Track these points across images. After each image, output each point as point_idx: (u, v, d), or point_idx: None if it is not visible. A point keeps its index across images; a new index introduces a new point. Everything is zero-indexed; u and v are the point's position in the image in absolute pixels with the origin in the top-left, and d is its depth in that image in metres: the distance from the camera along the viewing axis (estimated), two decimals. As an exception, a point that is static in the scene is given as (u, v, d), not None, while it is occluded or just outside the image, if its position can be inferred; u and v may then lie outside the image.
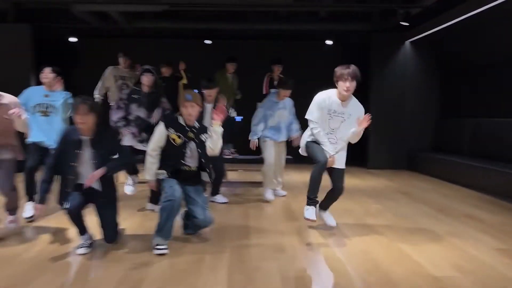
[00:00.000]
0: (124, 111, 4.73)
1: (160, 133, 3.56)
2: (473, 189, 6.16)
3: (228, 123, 4.59)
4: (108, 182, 3.49)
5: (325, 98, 3.69)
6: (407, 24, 7.15)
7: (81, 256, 3.33)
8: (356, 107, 3.73)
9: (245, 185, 6.55)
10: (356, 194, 5.89)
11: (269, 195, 5.32)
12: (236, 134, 6.59)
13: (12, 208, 4.05)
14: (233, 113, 5.38)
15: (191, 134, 3.57)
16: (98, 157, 3.38)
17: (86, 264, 3.21)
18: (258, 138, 5.28)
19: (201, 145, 3.62)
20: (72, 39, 9.06)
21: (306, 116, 3.81)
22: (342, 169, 3.78)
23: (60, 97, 4.50)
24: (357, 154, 8.45)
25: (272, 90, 5.72)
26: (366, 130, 8.41)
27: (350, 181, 6.92)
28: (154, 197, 4.75)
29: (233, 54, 8.28)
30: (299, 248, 3.56)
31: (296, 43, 9.58)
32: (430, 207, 5.12)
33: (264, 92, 7.03)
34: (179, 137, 3.54)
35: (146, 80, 4.70)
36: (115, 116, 4.75)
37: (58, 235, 3.89)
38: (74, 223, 3.40)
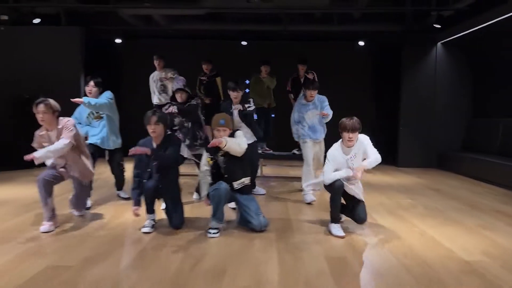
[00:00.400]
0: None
1: (204, 155, 4.14)
2: (502, 187, 6.35)
3: (247, 117, 5.05)
4: (169, 181, 4.04)
5: (334, 152, 4.03)
6: (439, 26, 7.34)
7: (147, 235, 3.81)
8: (358, 144, 4.00)
9: (280, 180, 6.94)
10: (387, 190, 6.18)
11: (309, 196, 5.29)
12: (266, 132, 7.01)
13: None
14: (251, 107, 5.24)
15: (220, 154, 4.00)
16: (158, 156, 3.98)
17: (153, 240, 3.67)
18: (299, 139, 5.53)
19: (227, 154, 3.97)
20: (118, 41, 9.62)
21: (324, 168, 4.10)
22: (363, 201, 4.04)
23: (104, 97, 4.96)
24: (388, 153, 8.72)
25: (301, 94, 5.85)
26: (397, 129, 8.56)
27: (381, 178, 7.25)
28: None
29: (268, 54, 8.68)
30: (335, 237, 3.90)
31: (329, 43, 9.86)
32: (460, 203, 5.37)
33: (288, 88, 7.42)
34: (211, 159, 4.03)
35: (179, 96, 5.02)
36: None
37: (119, 219, 4.39)
38: (147, 201, 3.95)
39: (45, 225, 3.87)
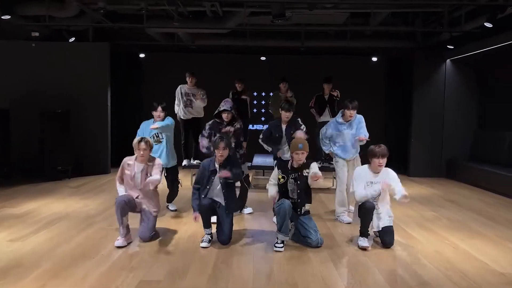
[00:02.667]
0: (208, 139, 5.45)
1: (274, 171, 4.58)
2: (509, 197, 6.89)
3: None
4: (231, 196, 4.52)
5: (361, 172, 4.52)
6: (452, 47, 7.86)
7: (210, 249, 4.23)
8: (385, 174, 4.47)
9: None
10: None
11: (345, 218, 5.37)
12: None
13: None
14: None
15: (293, 175, 4.41)
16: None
17: (219, 254, 4.09)
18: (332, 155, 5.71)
19: (302, 179, 4.39)
20: (142, 55, 10.00)
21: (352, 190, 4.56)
22: (391, 226, 4.45)
23: (170, 121, 5.60)
24: (400, 163, 9.24)
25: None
26: (408, 140, 8.93)
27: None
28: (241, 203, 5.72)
29: (286, 69, 9.13)
30: (383, 249, 4.37)
31: (344, 58, 10.34)
32: (478, 215, 5.88)
33: (311, 104, 7.84)
34: (283, 177, 4.45)
35: (225, 116, 5.43)
36: (202, 143, 5.49)
37: (178, 233, 4.82)
38: (203, 217, 4.39)
39: (120, 240, 4.26)
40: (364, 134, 5.38)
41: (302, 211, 4.46)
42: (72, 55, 8.74)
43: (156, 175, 4.46)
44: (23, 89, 8.56)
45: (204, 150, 5.47)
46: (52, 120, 8.11)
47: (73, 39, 8.60)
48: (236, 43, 9.39)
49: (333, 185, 7.84)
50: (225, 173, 4.40)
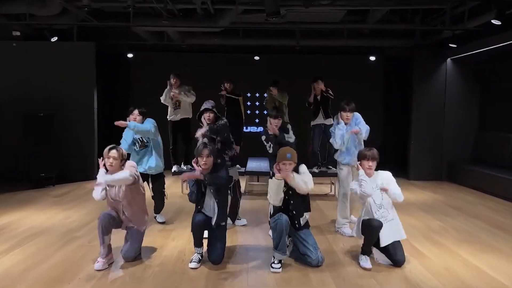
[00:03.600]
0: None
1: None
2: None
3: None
4: (222, 212, 4.12)
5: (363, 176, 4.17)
6: (455, 46, 7.52)
7: (201, 270, 3.84)
8: (381, 175, 4.19)
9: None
10: (411, 208, 6.32)
11: (347, 229, 5.04)
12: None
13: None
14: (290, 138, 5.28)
15: (284, 189, 3.99)
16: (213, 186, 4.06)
17: (210, 276, 3.70)
18: (337, 164, 5.31)
19: (295, 195, 4.01)
20: (130, 55, 9.57)
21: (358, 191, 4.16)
22: (399, 241, 4.08)
23: (148, 125, 5.09)
24: (399, 166, 8.92)
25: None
26: (408, 142, 8.50)
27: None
28: (232, 214, 5.34)
29: (281, 68, 8.75)
30: (389, 268, 4.00)
31: (340, 57, 9.97)
32: (485, 223, 5.55)
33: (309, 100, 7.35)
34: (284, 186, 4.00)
35: (207, 116, 5.01)
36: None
37: (165, 250, 4.41)
38: (195, 235, 3.98)
39: (100, 262, 3.86)
40: (366, 130, 5.04)
41: (301, 223, 4.07)
42: (56, 55, 8.31)
43: (123, 172, 3.92)
44: (4, 91, 8.15)
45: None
46: (34, 124, 7.67)
47: (55, 38, 8.15)
48: (228, 42, 9.01)
49: (331, 190, 7.50)
50: (191, 175, 4.03)
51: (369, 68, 10.01)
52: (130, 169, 3.94)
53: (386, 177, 4.19)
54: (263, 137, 5.29)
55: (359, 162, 4.19)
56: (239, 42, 8.83)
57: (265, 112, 9.46)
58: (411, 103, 9.03)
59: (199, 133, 5.07)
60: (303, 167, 4.09)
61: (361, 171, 4.15)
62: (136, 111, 5.17)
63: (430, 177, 8.89)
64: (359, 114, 5.19)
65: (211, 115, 5.03)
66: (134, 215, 4.09)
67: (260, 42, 9.11)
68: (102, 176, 3.91)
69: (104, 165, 3.99)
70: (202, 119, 5.06)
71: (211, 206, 4.10)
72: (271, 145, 5.13)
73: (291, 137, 5.16)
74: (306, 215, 4.12)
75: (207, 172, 4.05)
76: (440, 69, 8.90)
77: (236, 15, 7.14)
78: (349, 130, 5.04)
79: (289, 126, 5.29)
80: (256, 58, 9.91)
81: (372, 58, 9.65)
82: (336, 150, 5.25)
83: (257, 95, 10.22)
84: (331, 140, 5.22)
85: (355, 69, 9.89)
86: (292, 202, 4.03)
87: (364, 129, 5.06)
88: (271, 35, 9.09)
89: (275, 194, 3.97)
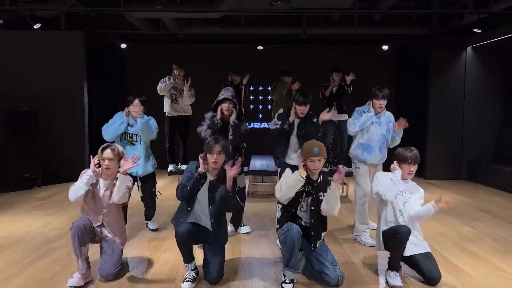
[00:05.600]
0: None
1: (284, 173, 3.42)
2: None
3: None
4: (221, 225, 3.43)
5: (386, 177, 3.57)
6: (479, 31, 6.82)
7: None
8: (415, 187, 3.58)
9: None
10: (435, 213, 5.56)
11: (367, 238, 4.37)
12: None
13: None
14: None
15: (308, 188, 3.34)
16: (214, 191, 3.35)
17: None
18: (352, 162, 4.62)
19: (316, 202, 3.33)
20: (123, 45, 8.90)
21: (374, 190, 3.56)
22: (429, 252, 3.45)
23: (140, 123, 4.42)
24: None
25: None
26: (424, 137, 7.76)
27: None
28: (235, 220, 4.69)
29: (286, 59, 8.03)
30: (421, 286, 3.32)
31: (350, 47, 9.29)
32: (524, 230, 4.86)
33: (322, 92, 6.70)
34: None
35: (226, 107, 4.27)
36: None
37: (155, 266, 3.72)
38: (181, 249, 3.27)
39: (75, 278, 3.18)
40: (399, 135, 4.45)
41: (317, 244, 3.37)
42: (41, 45, 7.63)
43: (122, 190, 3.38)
44: (-16, 85, 7.48)
45: (202, 134, 4.25)
46: (17, 121, 6.99)
47: (38, 25, 7.46)
48: (229, 30, 8.33)
49: (342, 191, 6.81)
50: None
51: (381, 58, 9.28)
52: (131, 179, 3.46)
53: (419, 188, 3.56)
54: (281, 111, 4.40)
55: (398, 164, 3.54)
56: (241, 31, 8.12)
57: (269, 107, 8.80)
58: (427, 96, 8.34)
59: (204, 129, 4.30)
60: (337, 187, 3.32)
61: (397, 172, 3.51)
62: (136, 101, 4.43)
63: (448, 176, 8.22)
64: (392, 115, 4.58)
65: (231, 105, 4.27)
66: (114, 223, 3.44)
67: (263, 31, 8.43)
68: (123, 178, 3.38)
69: (99, 165, 3.38)
70: (219, 110, 4.29)
71: (203, 211, 3.37)
72: (280, 125, 4.26)
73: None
74: (323, 234, 3.44)
75: (215, 173, 3.38)
76: (459, 59, 8.20)
77: (238, 0, 6.47)
78: (379, 124, 4.41)
79: (315, 118, 4.34)
80: (260, 48, 9.20)
81: (385, 47, 8.94)
82: (350, 144, 4.57)
83: (261, 88, 9.51)
84: (349, 121, 4.53)
85: (366, 60, 9.14)
86: (312, 221, 3.32)
87: (398, 135, 4.47)
88: (276, 23, 8.43)
89: (287, 190, 3.26)
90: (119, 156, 3.46)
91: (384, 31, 8.41)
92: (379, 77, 9.23)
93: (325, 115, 4.39)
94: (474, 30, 6.84)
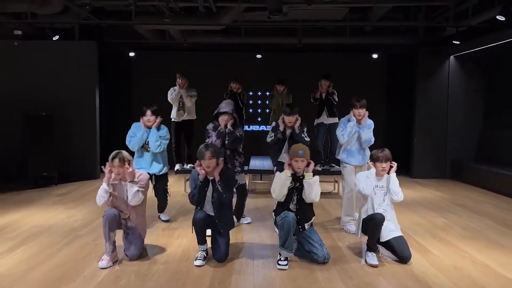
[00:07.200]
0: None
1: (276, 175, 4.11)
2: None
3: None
4: (225, 215, 4.12)
5: (364, 176, 4.22)
6: (458, 42, 7.47)
7: (205, 268, 3.80)
8: (387, 178, 4.18)
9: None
10: (415, 206, 6.29)
11: (351, 227, 4.95)
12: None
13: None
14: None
15: (297, 185, 3.99)
16: (217, 191, 4.03)
17: (216, 274, 3.66)
18: (340, 162, 5.29)
19: (300, 192, 3.99)
20: (131, 54, 9.53)
21: (356, 189, 4.25)
22: (401, 236, 4.08)
23: (153, 133, 5.07)
24: (402, 164, 8.85)
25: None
26: (411, 139, 8.40)
27: (403, 191, 7.31)
28: (238, 212, 5.31)
29: (283, 66, 8.65)
30: (395, 264, 3.96)
31: (342, 55, 9.93)
32: (492, 221, 5.50)
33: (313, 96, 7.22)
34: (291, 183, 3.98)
35: (224, 119, 4.89)
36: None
37: (169, 248, 4.37)
38: (197, 232, 3.95)
39: (104, 260, 3.82)
40: (367, 137, 5.00)
41: (306, 227, 4.05)
42: (57, 54, 8.28)
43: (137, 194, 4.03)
44: (5, 91, 8.12)
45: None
46: (35, 124, 7.63)
47: (57, 37, 8.11)
48: (230, 40, 8.96)
49: (334, 188, 7.47)
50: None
51: (372, 66, 9.97)
52: (143, 183, 4.06)
53: (392, 180, 4.17)
54: (273, 124, 5.32)
55: (373, 163, 4.18)
56: (241, 40, 8.78)
57: (267, 110, 9.45)
58: (414, 100, 9.00)
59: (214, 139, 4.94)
60: (317, 179, 4.00)
61: (372, 170, 4.16)
62: (148, 112, 5.03)
63: (433, 175, 8.86)
64: (372, 123, 5.09)
65: (229, 118, 4.90)
66: (137, 219, 4.12)
67: (262, 40, 9.05)
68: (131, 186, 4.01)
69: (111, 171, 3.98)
70: (220, 120, 4.93)
71: (209, 203, 4.08)
72: (274, 136, 5.19)
73: (306, 137, 5.08)
74: (313, 218, 4.13)
75: (213, 173, 4.02)
76: (443, 67, 8.86)
77: (238, 13, 7.10)
78: (358, 130, 4.99)
79: (305, 128, 5.17)
80: (258, 56, 9.87)
81: (375, 56, 9.62)
82: (338, 149, 5.25)
83: (259, 93, 10.17)
84: (337, 132, 5.16)
85: (358, 67, 9.85)
86: (298, 207, 4.01)
87: (364, 136, 4.98)
88: (273, 33, 9.04)
89: (279, 188, 3.95)
90: (128, 162, 3.99)
91: (374, 41, 9.07)
92: (370, 83, 9.93)
93: None
94: (453, 41, 7.48)
